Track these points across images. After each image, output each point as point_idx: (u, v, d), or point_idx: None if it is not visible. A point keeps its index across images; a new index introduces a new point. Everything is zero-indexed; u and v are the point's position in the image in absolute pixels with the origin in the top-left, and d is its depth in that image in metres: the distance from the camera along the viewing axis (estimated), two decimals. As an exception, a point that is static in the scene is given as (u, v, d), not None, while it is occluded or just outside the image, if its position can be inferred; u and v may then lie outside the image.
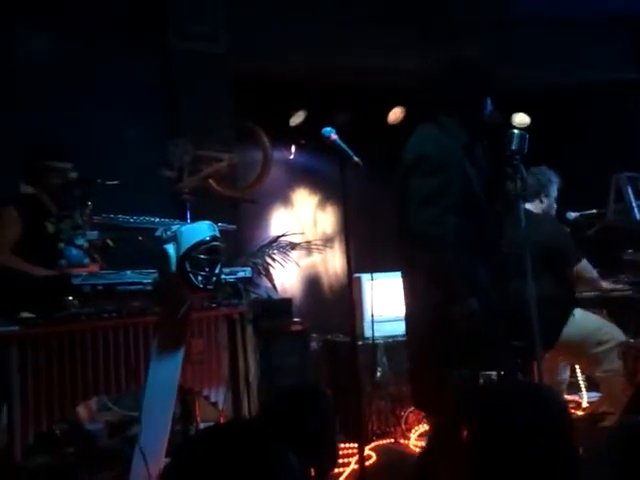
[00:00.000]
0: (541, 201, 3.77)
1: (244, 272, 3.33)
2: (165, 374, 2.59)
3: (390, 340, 4.24)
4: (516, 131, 2.65)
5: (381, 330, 4.14)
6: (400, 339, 4.14)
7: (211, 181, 4.76)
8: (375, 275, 3.94)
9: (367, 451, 3.65)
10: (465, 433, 1.72)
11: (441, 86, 2.75)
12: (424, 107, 2.78)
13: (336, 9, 5.40)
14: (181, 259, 2.40)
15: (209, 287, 2.49)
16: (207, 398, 3.22)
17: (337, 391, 4.12)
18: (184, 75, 4.99)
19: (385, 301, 4.21)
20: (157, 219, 3.22)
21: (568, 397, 4.40)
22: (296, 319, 4.55)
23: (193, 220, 3.47)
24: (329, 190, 6.27)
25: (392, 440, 4.08)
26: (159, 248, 2.44)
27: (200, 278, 2.43)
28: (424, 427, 3.97)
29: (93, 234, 3.13)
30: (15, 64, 4.39)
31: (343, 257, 3.19)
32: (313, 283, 6.42)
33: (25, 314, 2.86)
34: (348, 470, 3.45)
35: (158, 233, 2.50)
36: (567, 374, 4.07)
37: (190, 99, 4.95)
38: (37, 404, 2.68)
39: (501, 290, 2.64)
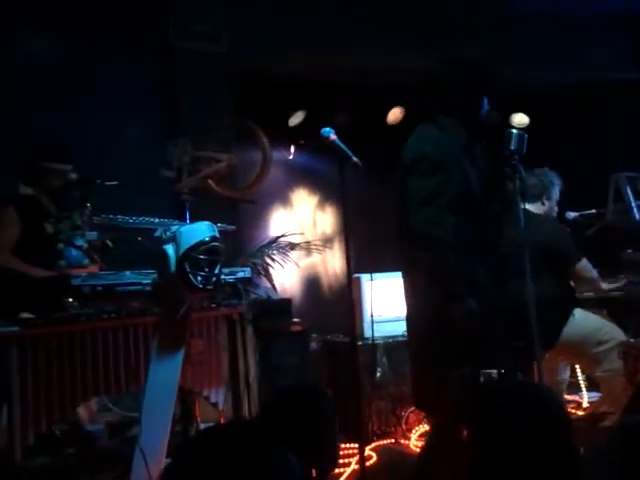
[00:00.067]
0: (543, 203, 3.77)
1: (244, 272, 3.33)
2: (165, 375, 2.59)
3: (390, 340, 4.24)
4: (515, 131, 2.66)
5: (381, 330, 4.14)
6: (400, 339, 4.14)
7: (210, 181, 4.76)
8: (375, 275, 3.95)
9: (367, 451, 3.65)
10: (465, 433, 1.73)
11: (441, 86, 2.75)
12: (424, 107, 2.78)
13: (336, 9, 5.40)
14: (180, 259, 2.39)
15: (208, 287, 2.49)
16: (207, 399, 3.22)
17: (337, 391, 4.11)
18: (184, 75, 4.98)
19: (385, 301, 4.21)
20: (156, 219, 3.22)
21: (568, 397, 4.40)
22: (296, 319, 4.55)
23: (192, 220, 3.46)
24: (328, 190, 6.26)
25: (392, 440, 4.08)
26: (158, 248, 2.43)
27: (200, 278, 2.43)
28: (424, 427, 3.97)
29: (92, 235, 3.13)
30: (15, 64, 4.38)
31: (343, 257, 3.19)
32: (313, 283, 6.42)
33: (25, 315, 2.86)
34: (349, 470, 3.45)
35: (157, 233, 2.50)
36: (567, 374, 4.06)
37: (190, 99, 4.95)
38: (37, 405, 2.68)
39: (500, 290, 2.64)
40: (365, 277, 4.21)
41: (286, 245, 5.23)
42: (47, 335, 2.74)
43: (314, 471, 2.05)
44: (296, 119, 5.83)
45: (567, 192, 3.92)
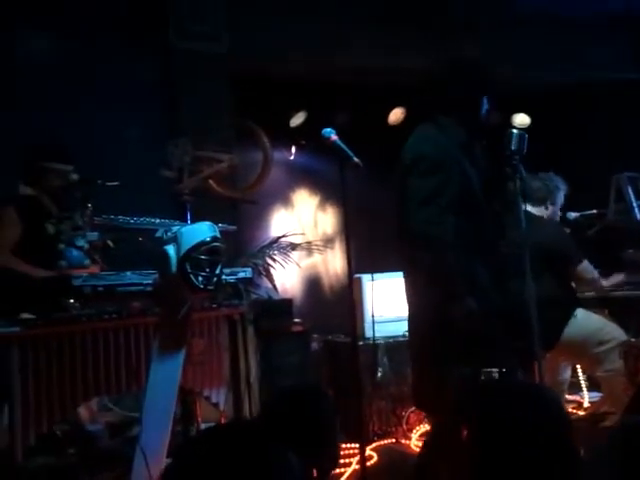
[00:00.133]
0: (546, 207, 3.77)
1: (244, 273, 3.33)
2: (166, 375, 2.59)
3: (391, 340, 4.24)
4: (515, 131, 2.66)
5: (382, 330, 4.14)
6: (401, 339, 4.15)
7: (211, 182, 4.76)
8: (376, 275, 3.95)
9: (368, 451, 3.65)
10: (465, 433, 1.73)
11: (441, 86, 2.75)
12: (424, 107, 2.79)
13: (336, 9, 5.40)
14: (181, 260, 2.40)
15: (209, 288, 2.49)
16: (208, 399, 3.22)
17: (338, 391, 4.11)
18: (184, 75, 4.98)
19: (386, 301, 4.21)
20: (157, 220, 3.22)
21: (569, 397, 4.40)
22: (297, 319, 4.55)
23: (193, 221, 3.46)
24: (329, 191, 6.26)
25: (393, 440, 4.08)
26: (159, 249, 2.44)
27: (200, 279, 2.43)
28: (425, 427, 3.97)
29: (93, 235, 3.13)
30: (15, 64, 4.38)
31: (343, 257, 3.19)
32: (314, 284, 6.42)
33: (25, 315, 2.87)
34: (349, 470, 3.45)
35: (158, 234, 2.50)
36: (568, 374, 4.06)
37: (190, 99, 4.95)
38: (38, 405, 2.69)
39: (501, 290, 2.64)
40: (366, 277, 4.21)
41: (287, 245, 5.23)
42: (48, 335, 2.74)
43: (315, 471, 2.06)
44: (297, 120, 5.83)
45: (568, 192, 3.92)
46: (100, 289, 2.85)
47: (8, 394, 2.64)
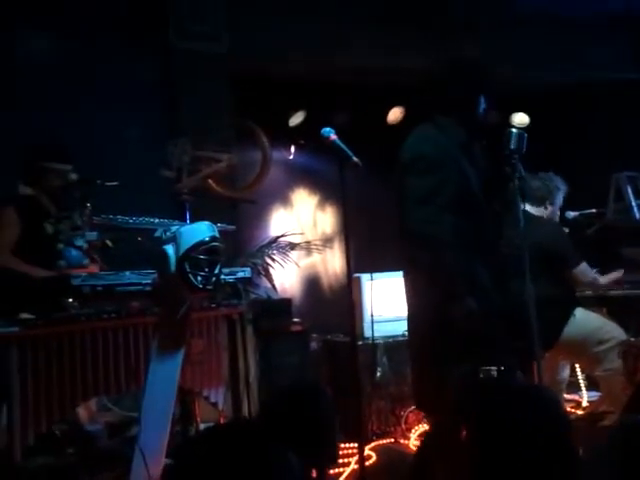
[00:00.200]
0: (546, 207, 3.77)
1: (244, 272, 3.33)
2: (165, 375, 2.59)
3: (390, 340, 4.24)
4: (514, 130, 2.66)
5: (381, 330, 4.14)
6: (400, 339, 4.15)
7: (210, 181, 4.76)
8: (375, 275, 3.94)
9: (367, 451, 3.65)
10: (464, 433, 1.73)
11: (439, 86, 2.75)
12: (423, 107, 2.79)
13: (336, 9, 5.40)
14: (180, 260, 2.39)
15: (208, 287, 2.49)
16: (207, 398, 3.22)
17: (337, 391, 4.10)
18: (184, 75, 4.98)
19: (385, 301, 4.21)
20: (156, 220, 3.22)
21: (568, 396, 4.40)
22: (296, 319, 4.54)
23: (192, 221, 3.46)
24: (329, 190, 6.26)
25: (392, 440, 4.08)
26: (158, 249, 2.44)
27: (199, 278, 2.43)
28: (424, 427, 3.97)
29: (92, 235, 3.12)
30: (15, 64, 4.38)
31: (343, 257, 3.20)
32: (313, 283, 6.42)
33: (25, 315, 2.86)
34: (348, 470, 3.45)
35: (157, 234, 2.50)
36: (567, 373, 4.06)
37: (190, 99, 4.95)
38: (37, 405, 2.69)
39: (501, 290, 2.64)
40: (365, 277, 4.21)
41: (286, 245, 5.23)
42: (47, 335, 2.74)
43: (314, 471, 2.06)
44: (296, 119, 5.83)
45: (568, 192, 3.92)
46: (99, 289, 2.85)
47: (7, 394, 2.64)
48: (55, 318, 2.79)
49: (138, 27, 4.79)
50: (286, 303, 4.67)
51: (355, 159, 2.47)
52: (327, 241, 6.32)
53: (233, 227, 3.80)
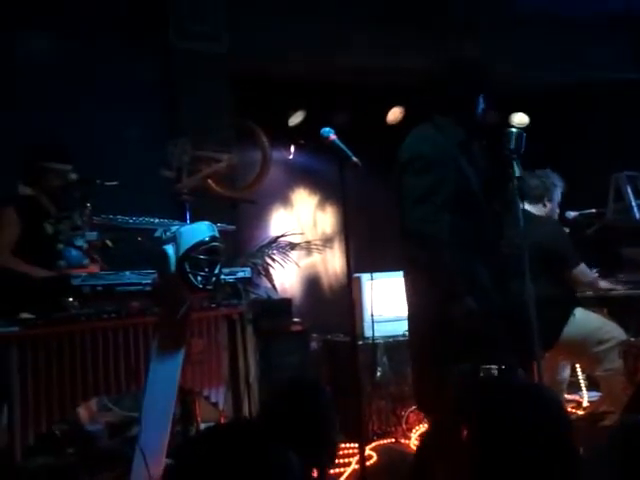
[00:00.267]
0: (544, 205, 3.77)
1: (244, 272, 3.33)
2: (165, 375, 2.59)
3: (390, 340, 4.24)
4: (514, 130, 2.66)
5: (381, 330, 4.14)
6: (400, 339, 4.15)
7: (210, 181, 4.76)
8: (375, 275, 3.94)
9: (368, 451, 3.65)
10: (465, 432, 1.73)
11: (439, 86, 2.75)
12: (423, 107, 2.79)
13: (336, 9, 5.40)
14: (180, 260, 2.39)
15: (208, 287, 2.49)
16: (207, 398, 3.22)
17: (337, 391, 4.10)
18: (184, 75, 4.98)
19: (385, 301, 4.21)
20: (156, 220, 3.22)
21: (568, 396, 4.40)
22: (296, 319, 4.55)
23: (192, 221, 3.46)
24: (328, 190, 6.26)
25: (393, 440, 4.08)
26: (158, 249, 2.43)
27: (199, 278, 2.43)
28: (425, 427, 3.97)
29: (92, 235, 3.12)
30: (15, 64, 4.38)
31: (343, 257, 3.20)
32: (313, 283, 6.42)
33: (25, 315, 2.86)
34: (349, 470, 3.45)
35: (157, 234, 2.50)
36: (567, 373, 4.06)
37: (190, 99, 4.95)
38: (37, 405, 2.68)
39: (501, 290, 2.64)
40: (365, 277, 4.21)
41: (286, 245, 5.23)
42: (47, 335, 2.74)
43: (315, 471, 2.05)
44: (296, 119, 5.83)
45: (567, 192, 3.92)
46: (99, 289, 2.84)
47: (7, 394, 2.63)
48: (55, 318, 2.79)
49: (138, 27, 4.79)
50: (286, 303, 4.67)
51: (355, 159, 2.47)
52: (327, 241, 6.33)
53: (233, 227, 3.80)
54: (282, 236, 5.33)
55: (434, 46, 5.35)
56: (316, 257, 6.19)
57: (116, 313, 2.91)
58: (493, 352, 2.48)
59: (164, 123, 4.83)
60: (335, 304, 5.51)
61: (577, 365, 4.33)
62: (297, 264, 5.56)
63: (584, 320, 3.61)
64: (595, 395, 4.36)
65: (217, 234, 2.50)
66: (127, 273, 2.92)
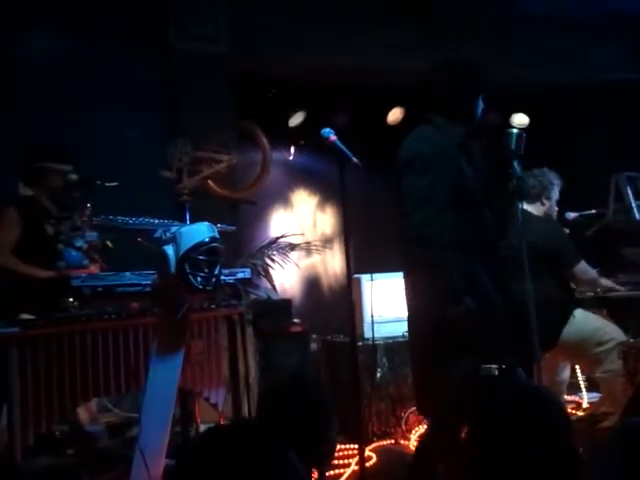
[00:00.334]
0: (542, 203, 3.76)
1: (243, 273, 3.33)
2: (165, 375, 2.59)
3: (390, 341, 4.23)
4: (515, 130, 2.67)
5: (381, 331, 4.14)
6: (400, 340, 4.14)
7: (210, 182, 4.76)
8: (375, 276, 3.95)
9: (367, 452, 3.64)
10: (465, 433, 1.73)
11: (439, 86, 2.75)
12: (422, 107, 2.79)
13: (336, 9, 5.40)
14: (180, 260, 2.39)
15: (208, 288, 2.48)
16: (207, 399, 3.21)
17: (337, 392, 4.11)
18: (184, 75, 4.98)
19: (385, 302, 4.21)
20: (156, 220, 3.22)
21: (568, 397, 4.40)
22: (296, 320, 4.55)
23: (192, 221, 3.46)
24: (329, 191, 6.26)
25: (392, 441, 4.07)
26: (158, 249, 2.43)
27: (199, 279, 2.43)
28: (424, 428, 3.97)
29: (92, 235, 3.12)
30: (15, 64, 4.38)
31: (343, 258, 3.20)
32: (313, 284, 6.42)
33: (25, 315, 2.87)
34: (349, 471, 3.44)
35: (157, 234, 2.50)
36: (567, 374, 4.05)
37: (190, 99, 4.95)
38: (37, 405, 2.68)
39: (500, 290, 2.64)
40: (365, 277, 4.20)
41: (286, 246, 5.23)
42: (47, 336, 2.73)
43: (315, 471, 2.05)
44: (296, 119, 5.83)
45: (567, 192, 3.92)
46: (99, 289, 2.84)
47: (7, 394, 2.63)
48: (55, 319, 2.79)
49: (138, 27, 4.80)
50: (286, 304, 4.67)
51: (355, 160, 2.47)
52: (327, 242, 6.33)
53: (233, 228, 3.80)
54: (282, 237, 5.33)
55: (434, 46, 5.35)
56: (316, 258, 6.19)
57: (116, 314, 2.91)
58: (493, 353, 2.48)
59: (164, 123, 4.84)
60: (335, 305, 5.52)
61: (577, 366, 4.33)
62: (297, 265, 5.56)
63: (583, 321, 3.60)
64: (595, 396, 4.35)
65: (217, 235, 2.49)
66: (127, 274, 2.92)
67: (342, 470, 3.44)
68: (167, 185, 4.09)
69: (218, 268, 2.50)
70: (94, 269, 3.14)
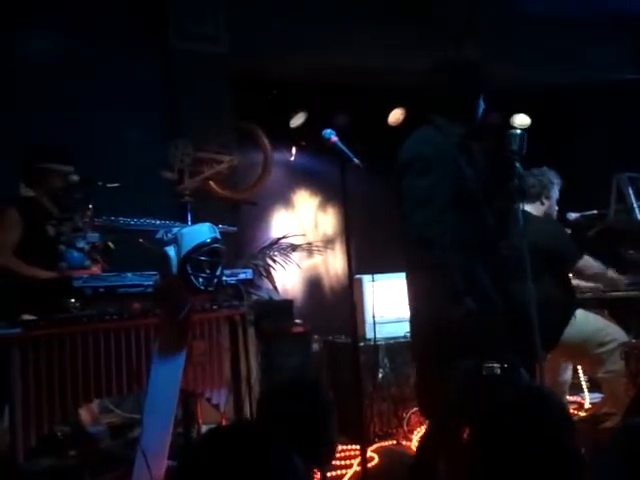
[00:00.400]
0: (542, 203, 3.76)
1: (245, 274, 3.33)
2: (167, 376, 2.59)
3: (392, 341, 4.23)
4: (518, 131, 2.67)
5: (382, 331, 4.13)
6: (402, 340, 4.14)
7: (212, 183, 4.76)
8: (376, 276, 3.95)
9: (369, 453, 3.64)
10: (466, 433, 1.73)
11: (439, 86, 2.75)
12: (423, 107, 2.79)
13: (336, 9, 5.40)
14: (182, 261, 2.39)
15: (210, 289, 2.49)
16: (209, 400, 3.21)
17: (339, 392, 4.11)
18: (184, 75, 4.98)
19: (386, 302, 4.21)
20: (158, 221, 3.22)
21: (570, 398, 4.40)
22: (297, 320, 4.55)
23: (194, 222, 3.46)
24: (330, 191, 6.26)
25: (394, 442, 4.07)
26: (160, 250, 2.43)
27: (201, 280, 2.43)
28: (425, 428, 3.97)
29: (94, 236, 3.12)
30: (15, 64, 4.38)
31: (344, 258, 3.19)
32: (314, 284, 6.42)
33: (26, 316, 2.86)
34: (350, 472, 3.44)
35: (159, 235, 2.50)
36: (569, 375, 4.05)
37: (190, 99, 4.95)
38: (39, 406, 2.68)
39: (501, 291, 2.64)
40: (367, 278, 4.20)
41: (287, 246, 5.23)
42: (49, 337, 2.73)
43: (317, 472, 2.05)
44: (297, 120, 5.82)
45: (568, 193, 3.92)
46: (101, 290, 2.84)
47: (9, 395, 2.63)
48: (57, 319, 2.79)
49: (138, 27, 4.79)
50: (288, 304, 4.67)
51: (356, 161, 2.47)
52: (328, 242, 6.33)
53: (234, 228, 3.80)
54: (283, 237, 5.33)
55: (434, 46, 5.35)
56: (317, 258, 6.19)
57: (118, 315, 2.91)
58: (494, 353, 2.48)
59: (164, 123, 4.83)
60: (336, 305, 5.52)
61: (579, 367, 4.33)
62: (298, 265, 5.56)
63: (585, 322, 3.60)
64: (597, 397, 4.35)
65: (218, 236, 2.50)
66: (129, 275, 2.92)
67: (344, 471, 3.44)
68: (168, 186, 4.09)
69: (220, 269, 2.51)
70: (96, 270, 3.14)
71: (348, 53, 5.47)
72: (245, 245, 5.25)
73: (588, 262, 3.73)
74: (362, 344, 3.97)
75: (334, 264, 6.49)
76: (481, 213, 2.62)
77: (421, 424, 4.06)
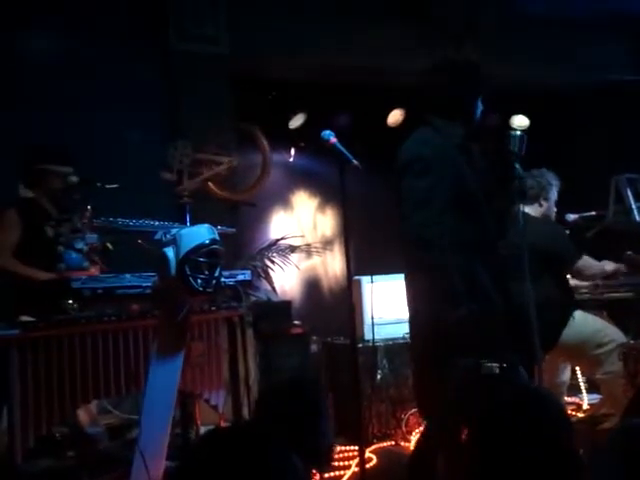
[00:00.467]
0: (540, 204, 3.76)
1: (244, 275, 3.33)
2: (165, 377, 2.59)
3: (390, 342, 4.23)
4: (518, 132, 2.66)
5: (381, 332, 4.13)
6: (400, 342, 4.14)
7: (211, 184, 4.76)
8: (375, 277, 3.94)
9: (367, 454, 3.64)
10: (465, 434, 1.73)
11: (438, 87, 2.75)
12: (422, 108, 2.78)
13: (336, 9, 5.40)
14: (181, 262, 2.39)
15: (209, 290, 2.49)
16: (207, 401, 3.22)
17: (337, 394, 4.11)
18: (184, 76, 4.98)
19: (385, 303, 4.21)
20: (157, 222, 3.23)
21: (569, 399, 4.40)
22: (296, 322, 4.54)
23: (193, 223, 3.46)
24: (329, 193, 6.26)
25: (392, 443, 4.07)
26: (158, 251, 2.43)
27: (200, 281, 2.43)
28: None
29: (93, 237, 3.12)
30: (15, 64, 4.38)
31: (343, 259, 3.20)
32: (313, 286, 6.42)
33: (25, 317, 2.86)
34: (349, 473, 3.44)
35: (158, 236, 2.50)
36: (567, 376, 4.05)
37: (190, 99, 4.95)
38: (37, 407, 2.68)
39: (500, 291, 2.64)
40: (365, 279, 4.20)
41: (286, 247, 5.23)
42: (47, 338, 2.74)
43: (316, 472, 2.05)
44: (297, 121, 5.82)
45: (567, 194, 3.92)
46: (99, 291, 2.85)
47: (7, 396, 2.63)
48: (55, 321, 2.79)
49: (138, 27, 4.79)
50: (286, 305, 4.66)
51: (355, 162, 2.47)
52: (327, 243, 6.33)
53: (233, 230, 3.80)
54: (282, 239, 5.32)
55: (434, 46, 5.35)
56: (316, 260, 6.18)
57: (116, 316, 2.91)
58: (493, 353, 2.48)
59: (164, 124, 4.83)
60: (335, 307, 5.52)
61: (577, 367, 4.33)
62: (297, 267, 5.55)
63: (583, 323, 3.60)
64: (595, 398, 4.35)
65: (217, 237, 2.50)
66: (127, 276, 2.92)
67: (342, 472, 3.44)
68: (167, 187, 4.09)
69: (218, 270, 2.51)
70: (94, 271, 3.14)
71: (348, 53, 5.47)
72: (244, 246, 5.24)
73: (587, 262, 3.73)
74: (361, 345, 3.97)
75: (333, 265, 6.49)
76: (480, 213, 2.62)
77: (419, 425, 4.06)
